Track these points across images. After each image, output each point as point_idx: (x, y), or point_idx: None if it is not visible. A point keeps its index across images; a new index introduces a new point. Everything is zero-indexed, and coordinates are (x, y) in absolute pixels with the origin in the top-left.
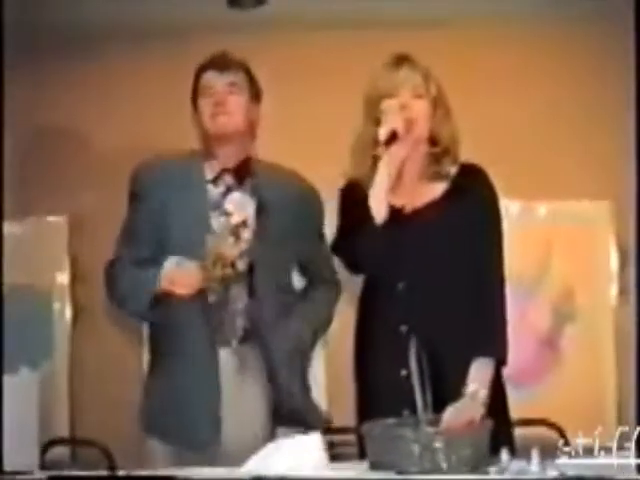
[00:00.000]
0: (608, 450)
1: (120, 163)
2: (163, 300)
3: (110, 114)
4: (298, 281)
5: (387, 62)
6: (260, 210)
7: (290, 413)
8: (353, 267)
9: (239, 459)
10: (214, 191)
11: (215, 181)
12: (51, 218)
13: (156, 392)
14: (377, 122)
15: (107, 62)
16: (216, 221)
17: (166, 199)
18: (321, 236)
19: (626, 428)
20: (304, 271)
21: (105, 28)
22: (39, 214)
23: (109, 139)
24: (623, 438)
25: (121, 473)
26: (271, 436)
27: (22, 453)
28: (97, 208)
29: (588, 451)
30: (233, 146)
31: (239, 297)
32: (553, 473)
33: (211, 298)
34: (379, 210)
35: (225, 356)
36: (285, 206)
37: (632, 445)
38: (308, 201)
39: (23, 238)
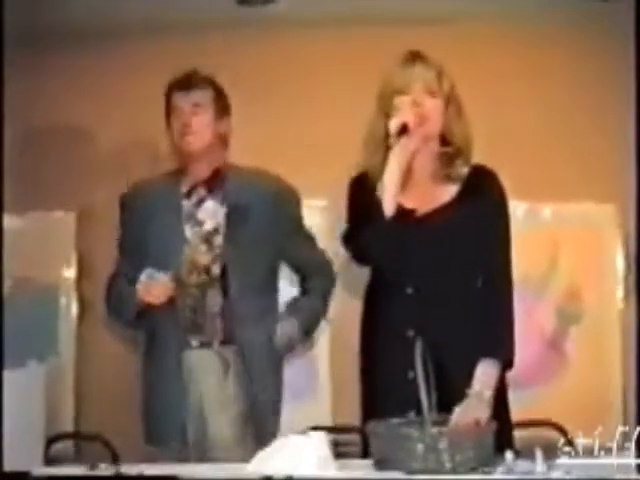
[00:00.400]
0: (611, 450)
1: (127, 159)
2: (147, 310)
3: (117, 110)
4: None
5: (401, 58)
6: (230, 216)
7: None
8: (360, 258)
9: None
10: (188, 204)
11: (189, 194)
12: (59, 213)
13: (142, 392)
14: (389, 117)
15: (112, 57)
16: (190, 231)
17: (146, 218)
18: (301, 232)
19: (626, 428)
20: (294, 268)
21: (110, 24)
22: (47, 209)
23: (117, 135)
24: (624, 438)
25: (124, 469)
26: (248, 436)
27: (27, 447)
28: (105, 203)
29: (591, 451)
30: (203, 160)
31: (216, 300)
32: (558, 473)
33: (189, 302)
34: (389, 202)
35: (208, 357)
36: (256, 209)
37: (632, 445)
38: (282, 201)
39: (31, 233)
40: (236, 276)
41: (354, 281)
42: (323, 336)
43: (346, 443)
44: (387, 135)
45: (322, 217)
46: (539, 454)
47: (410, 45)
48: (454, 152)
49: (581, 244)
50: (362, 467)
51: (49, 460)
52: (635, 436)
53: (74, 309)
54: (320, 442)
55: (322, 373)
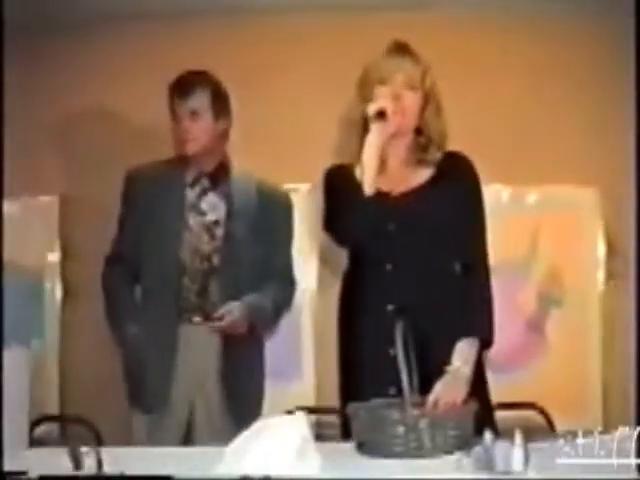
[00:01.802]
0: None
1: (112, 145)
2: None
3: (105, 97)
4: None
5: (387, 48)
6: (230, 211)
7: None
8: (343, 240)
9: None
10: (192, 193)
11: (193, 184)
12: (43, 198)
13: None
14: (367, 104)
15: (106, 45)
16: (193, 220)
17: (150, 201)
18: (285, 240)
19: (626, 428)
20: (266, 270)
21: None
22: (30, 194)
23: (102, 121)
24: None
25: (106, 451)
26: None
27: (12, 430)
28: (89, 188)
29: (573, 435)
30: (205, 156)
31: (216, 288)
32: (532, 473)
33: (194, 288)
34: (368, 182)
35: (204, 334)
36: (251, 212)
37: (632, 445)
38: (274, 209)
39: (15, 217)
40: (232, 268)
41: (336, 262)
42: (306, 317)
43: (328, 425)
44: (364, 120)
45: (307, 200)
46: (518, 435)
47: (392, 32)
48: (427, 141)
49: (562, 228)
50: (343, 450)
51: (34, 442)
52: (635, 436)
53: (58, 293)
54: (301, 424)
55: (305, 353)
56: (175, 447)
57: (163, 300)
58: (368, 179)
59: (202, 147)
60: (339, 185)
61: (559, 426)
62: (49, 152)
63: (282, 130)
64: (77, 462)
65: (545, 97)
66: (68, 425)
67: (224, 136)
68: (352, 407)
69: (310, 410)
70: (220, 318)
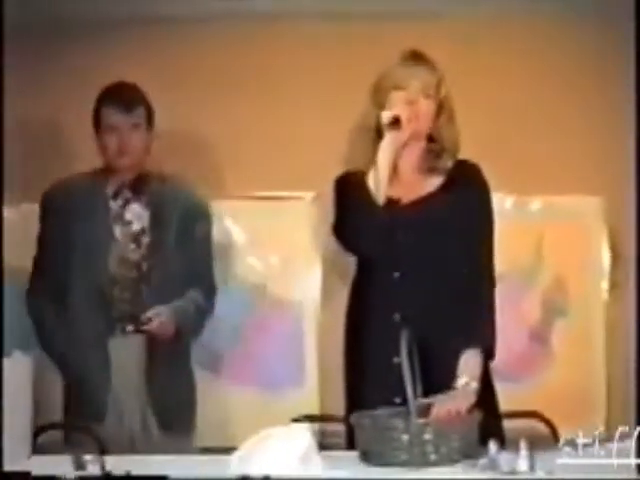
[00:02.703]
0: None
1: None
2: None
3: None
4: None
5: (403, 56)
6: (154, 221)
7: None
8: (353, 248)
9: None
10: (114, 205)
11: (115, 196)
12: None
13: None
14: (381, 110)
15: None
16: (119, 231)
17: (71, 216)
18: (206, 247)
19: (626, 428)
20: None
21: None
22: (32, 200)
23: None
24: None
25: (110, 459)
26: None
27: (16, 438)
28: None
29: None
30: (129, 168)
31: (148, 294)
32: (541, 473)
33: (125, 296)
34: (379, 192)
35: (136, 343)
36: (174, 220)
37: (632, 445)
38: (195, 217)
39: (19, 223)
40: (160, 275)
41: (342, 270)
42: (310, 325)
43: (332, 434)
44: (377, 127)
45: (311, 208)
46: (523, 445)
47: (403, 42)
48: (440, 149)
49: (567, 237)
50: (347, 459)
51: (37, 450)
52: (635, 436)
53: None
54: (304, 434)
55: (309, 362)
56: (180, 454)
57: (94, 313)
58: (381, 187)
59: (135, 160)
60: (350, 192)
61: (563, 435)
62: (49, 159)
63: (288, 139)
64: (81, 470)
65: (550, 106)
66: (71, 433)
67: (148, 150)
68: (356, 416)
69: (314, 419)
70: (149, 320)
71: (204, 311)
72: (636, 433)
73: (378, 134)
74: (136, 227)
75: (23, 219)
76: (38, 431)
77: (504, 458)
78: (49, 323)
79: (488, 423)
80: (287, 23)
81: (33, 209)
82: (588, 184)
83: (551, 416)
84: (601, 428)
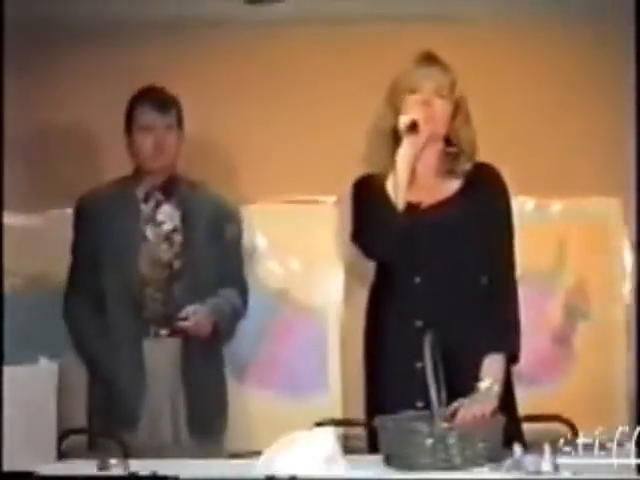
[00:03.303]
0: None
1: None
2: None
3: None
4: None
5: (417, 58)
6: (185, 220)
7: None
8: (372, 253)
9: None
10: (146, 207)
11: (146, 198)
12: (69, 211)
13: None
14: (398, 113)
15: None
16: (150, 232)
17: (104, 222)
18: (237, 249)
19: (626, 428)
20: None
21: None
22: (60, 207)
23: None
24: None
25: (134, 464)
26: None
27: (41, 443)
28: None
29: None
30: (160, 170)
31: (181, 292)
32: (567, 473)
33: (157, 296)
34: (398, 197)
35: (172, 346)
36: (205, 220)
37: (632, 445)
38: (226, 219)
39: (43, 230)
40: (192, 273)
41: (364, 274)
42: (333, 329)
43: (355, 437)
44: (394, 131)
45: (332, 212)
46: (547, 449)
47: (418, 44)
48: (458, 152)
49: (588, 239)
50: (371, 462)
51: (62, 455)
52: (635, 436)
53: None
54: (329, 438)
55: (331, 366)
56: (204, 459)
57: (127, 315)
58: (401, 192)
59: (168, 162)
60: (368, 196)
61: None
62: (78, 166)
63: (308, 142)
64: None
65: (570, 108)
66: (97, 438)
67: (179, 153)
68: (380, 419)
69: (337, 422)
70: (185, 318)
71: (239, 311)
72: (636, 433)
73: (395, 137)
74: (168, 227)
75: (49, 225)
76: (62, 436)
77: (529, 460)
78: (85, 328)
79: (508, 426)
80: (307, 27)
81: (62, 215)
82: (609, 185)
83: (573, 419)
84: (625, 434)
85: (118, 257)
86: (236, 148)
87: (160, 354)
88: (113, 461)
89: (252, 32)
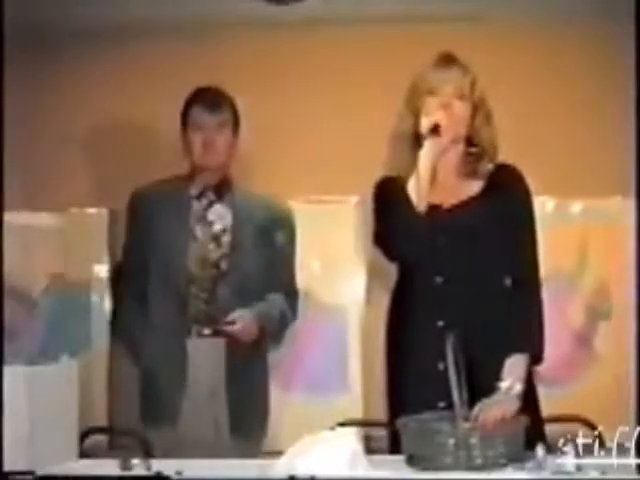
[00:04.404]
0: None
1: (155, 156)
2: None
3: (149, 109)
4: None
5: (436, 59)
6: (236, 221)
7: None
8: (394, 255)
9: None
10: (198, 205)
11: (199, 197)
12: (91, 210)
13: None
14: (418, 116)
15: (147, 57)
16: (200, 231)
17: (155, 218)
18: (289, 254)
19: (626, 428)
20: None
21: (140, 24)
22: (80, 206)
23: (148, 133)
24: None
25: (156, 463)
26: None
27: (62, 441)
28: None
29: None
30: (214, 170)
31: (225, 293)
32: (595, 473)
33: (202, 296)
34: (420, 199)
35: (215, 346)
36: (256, 223)
37: (632, 445)
38: (278, 223)
39: (63, 230)
40: (239, 274)
41: (386, 274)
42: (354, 330)
43: (376, 438)
44: (416, 133)
45: (355, 213)
46: (570, 450)
47: (439, 44)
48: (480, 152)
49: (610, 240)
50: (393, 463)
51: (83, 454)
52: (635, 436)
53: (107, 305)
54: (351, 438)
55: (353, 367)
56: (230, 459)
57: (172, 312)
58: (423, 195)
59: (220, 161)
60: (390, 198)
61: (608, 440)
62: (98, 165)
63: (329, 142)
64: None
65: (593, 110)
66: (118, 437)
67: (233, 155)
68: (402, 420)
69: (359, 423)
70: (232, 322)
71: (287, 317)
72: (636, 433)
73: (416, 139)
74: (218, 227)
75: (72, 226)
76: (83, 435)
77: (551, 461)
78: (134, 323)
79: (531, 427)
80: (332, 28)
81: (73, 214)
82: (631, 186)
83: (595, 419)
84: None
85: (166, 253)
86: (257, 147)
87: (203, 353)
88: (135, 461)
89: (276, 32)
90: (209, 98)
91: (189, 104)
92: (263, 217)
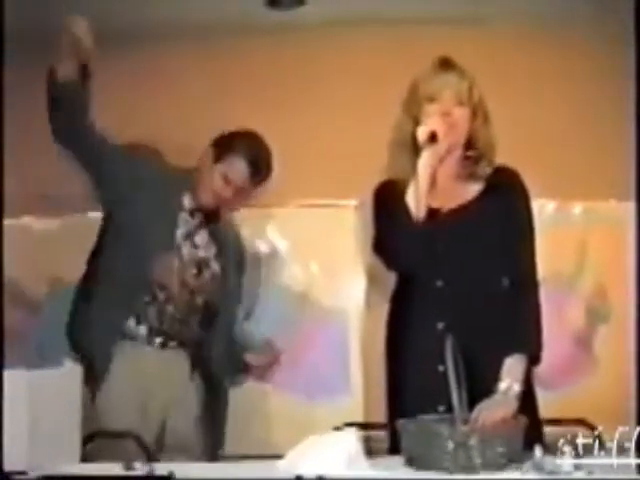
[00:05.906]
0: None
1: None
2: None
3: (158, 114)
4: None
5: (434, 65)
6: (218, 254)
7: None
8: (393, 265)
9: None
10: (190, 221)
11: (192, 213)
12: (93, 214)
13: None
14: (417, 123)
15: (160, 60)
16: (186, 250)
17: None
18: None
19: (626, 428)
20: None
21: (148, 27)
22: (82, 211)
23: (152, 138)
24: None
25: (158, 467)
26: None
27: (64, 445)
28: None
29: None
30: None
31: (194, 324)
32: (580, 473)
33: (177, 316)
34: (418, 208)
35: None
36: (233, 257)
37: (632, 445)
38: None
39: (68, 234)
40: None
41: (385, 278)
42: (354, 333)
43: (376, 440)
44: (414, 141)
45: (354, 216)
46: (567, 450)
47: (438, 47)
48: (478, 156)
49: (609, 242)
50: (394, 464)
51: (85, 458)
52: (635, 436)
53: None
54: (351, 440)
55: (353, 370)
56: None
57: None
58: (422, 201)
59: (237, 205)
60: (389, 205)
61: (608, 442)
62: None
63: (329, 145)
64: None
65: (591, 112)
66: (120, 441)
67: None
68: (402, 422)
69: (360, 425)
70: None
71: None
72: (636, 433)
73: (415, 145)
74: (201, 254)
75: (68, 229)
76: (86, 439)
77: (549, 462)
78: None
79: (529, 428)
80: (331, 33)
81: (75, 219)
82: (630, 189)
83: (594, 421)
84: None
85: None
86: None
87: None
88: (138, 465)
89: (273, 36)
90: (253, 154)
91: (228, 148)
92: (238, 255)
